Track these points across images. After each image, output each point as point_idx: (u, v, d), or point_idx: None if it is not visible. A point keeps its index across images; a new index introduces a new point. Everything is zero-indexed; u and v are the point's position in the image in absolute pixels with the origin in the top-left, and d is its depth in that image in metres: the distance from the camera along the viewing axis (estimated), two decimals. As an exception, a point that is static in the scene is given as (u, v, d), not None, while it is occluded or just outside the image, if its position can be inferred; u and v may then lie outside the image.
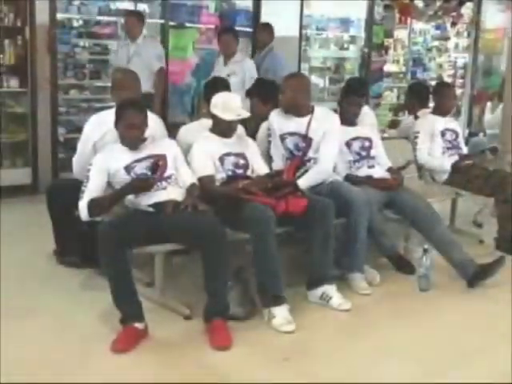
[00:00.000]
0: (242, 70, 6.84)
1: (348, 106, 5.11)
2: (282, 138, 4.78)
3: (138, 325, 3.69)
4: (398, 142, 5.92)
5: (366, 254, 4.65)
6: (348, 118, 5.06)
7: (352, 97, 5.13)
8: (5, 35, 6.79)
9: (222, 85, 4.97)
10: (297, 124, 4.75)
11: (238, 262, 4.17)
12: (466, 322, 4.20)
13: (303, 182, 4.55)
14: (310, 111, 4.77)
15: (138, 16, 7.29)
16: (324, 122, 4.73)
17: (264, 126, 5.04)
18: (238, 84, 6.55)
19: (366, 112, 5.90)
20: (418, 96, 6.33)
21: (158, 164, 3.97)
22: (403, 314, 4.29)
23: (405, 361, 3.63)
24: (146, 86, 6.56)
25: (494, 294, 4.54)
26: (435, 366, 3.58)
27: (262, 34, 7.75)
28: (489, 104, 8.91)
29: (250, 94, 5.53)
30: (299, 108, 4.74)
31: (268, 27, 7.75)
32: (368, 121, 5.65)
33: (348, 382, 3.39)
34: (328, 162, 4.71)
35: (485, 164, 5.83)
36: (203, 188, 4.20)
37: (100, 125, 4.39)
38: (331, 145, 4.71)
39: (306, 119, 4.73)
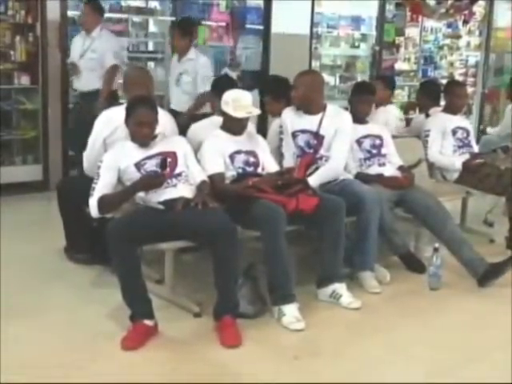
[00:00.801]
0: (194, 68, 6.29)
1: (358, 104, 5.10)
2: (294, 135, 4.78)
3: (148, 322, 3.70)
4: (409, 141, 5.90)
5: (376, 252, 4.65)
6: (359, 116, 5.04)
7: (362, 95, 5.12)
8: (16, 32, 6.81)
9: (228, 83, 4.98)
10: (308, 121, 4.74)
11: (248, 260, 4.17)
12: (475, 321, 4.19)
13: (314, 180, 4.54)
14: (323, 109, 4.76)
15: (95, 6, 6.70)
16: (336, 120, 4.72)
17: (276, 122, 5.05)
18: (189, 84, 6.29)
19: (389, 111, 5.91)
20: (429, 94, 6.30)
21: (167, 160, 3.97)
22: (413, 312, 4.28)
23: (414, 360, 3.63)
24: (100, 83, 6.47)
25: (504, 293, 4.51)
26: (445, 366, 3.56)
27: None
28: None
29: (262, 91, 5.54)
30: (312, 105, 4.74)
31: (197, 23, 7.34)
32: (381, 119, 5.64)
33: (357, 380, 3.39)
34: (339, 159, 4.70)
35: (496, 163, 5.79)
36: (213, 186, 4.19)
37: (110, 121, 4.38)
38: (343, 143, 4.70)
39: (317, 117, 4.73)
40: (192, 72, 6.25)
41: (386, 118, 5.83)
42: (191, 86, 6.27)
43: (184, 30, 6.45)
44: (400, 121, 6.17)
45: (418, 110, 7.02)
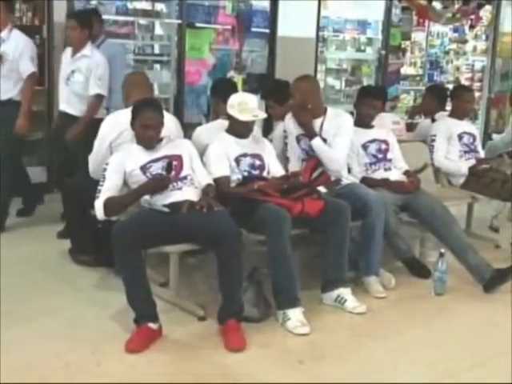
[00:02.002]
0: (88, 67, 5.45)
1: (363, 108, 5.10)
2: (298, 139, 4.79)
3: (152, 325, 3.69)
4: (415, 145, 5.89)
5: (381, 257, 4.63)
6: (363, 120, 5.05)
7: (367, 99, 5.12)
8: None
9: (229, 86, 5.06)
10: (311, 126, 4.75)
11: (252, 264, 4.16)
12: (480, 326, 4.18)
13: (319, 142, 4.63)
14: (323, 113, 4.77)
15: (5, 4, 5.59)
16: (336, 121, 4.74)
17: (280, 126, 5.05)
18: (81, 84, 5.47)
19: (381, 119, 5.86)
20: (437, 97, 6.30)
21: (172, 164, 3.96)
22: (418, 317, 4.26)
23: (419, 364, 3.62)
24: (13, 92, 5.51)
25: (509, 298, 4.49)
26: (449, 370, 3.56)
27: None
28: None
29: (265, 95, 5.55)
30: (313, 110, 4.74)
31: (96, 15, 6.32)
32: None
33: (362, 385, 3.38)
34: (339, 151, 4.69)
35: (502, 168, 5.78)
36: (219, 189, 4.19)
37: (117, 124, 4.39)
38: (342, 138, 4.70)
39: (319, 121, 4.74)
40: (86, 71, 5.46)
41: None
42: (83, 87, 5.49)
43: (84, 21, 5.58)
44: (395, 124, 6.09)
45: (423, 116, 6.96)
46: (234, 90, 4.92)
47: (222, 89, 4.92)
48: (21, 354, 3.48)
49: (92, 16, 5.94)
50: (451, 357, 3.72)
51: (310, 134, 4.67)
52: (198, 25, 8.05)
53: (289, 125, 4.86)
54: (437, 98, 6.31)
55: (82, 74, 5.47)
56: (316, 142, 4.63)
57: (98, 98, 5.53)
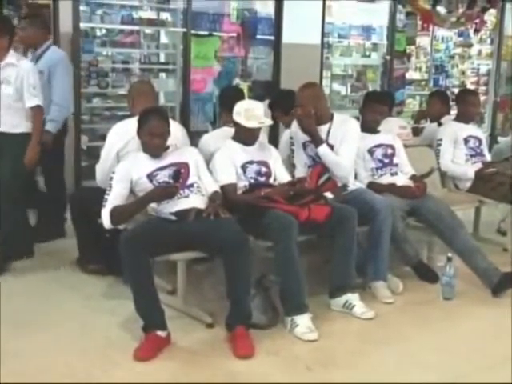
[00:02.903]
0: (17, 76, 4.84)
1: (369, 113, 5.10)
2: (304, 145, 4.79)
3: (161, 333, 3.69)
4: (421, 150, 5.88)
5: (388, 262, 4.63)
6: (369, 125, 5.05)
7: (373, 104, 5.12)
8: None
9: (236, 93, 5.07)
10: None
11: (260, 270, 4.17)
12: (489, 330, 4.16)
13: (326, 150, 4.61)
14: (330, 119, 4.78)
15: None
16: (342, 127, 4.74)
17: (286, 133, 5.06)
18: (10, 97, 4.84)
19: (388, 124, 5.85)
20: (442, 100, 6.31)
21: (180, 172, 3.97)
22: (426, 322, 4.26)
23: (428, 369, 3.60)
24: None
25: (518, 302, 4.49)
26: (458, 375, 3.54)
27: (32, 29, 5.66)
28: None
29: (271, 106, 5.58)
30: (320, 116, 4.74)
31: (36, 19, 5.84)
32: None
33: (371, 391, 3.38)
34: (346, 158, 4.69)
35: (508, 171, 5.77)
36: (225, 196, 4.20)
37: (123, 133, 4.40)
38: (348, 145, 4.71)
39: (326, 127, 4.75)
40: (16, 81, 4.85)
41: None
42: (14, 99, 4.86)
43: (3, 27, 4.97)
44: (402, 129, 6.09)
45: (429, 120, 6.96)
46: (242, 97, 4.93)
47: (230, 96, 4.93)
48: (29, 362, 3.49)
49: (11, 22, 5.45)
50: (459, 361, 3.71)
51: (315, 141, 4.67)
52: (203, 33, 8.07)
53: (295, 132, 4.86)
54: (441, 102, 6.32)
55: (11, 85, 4.85)
56: (322, 149, 4.64)
57: (38, 108, 4.97)
